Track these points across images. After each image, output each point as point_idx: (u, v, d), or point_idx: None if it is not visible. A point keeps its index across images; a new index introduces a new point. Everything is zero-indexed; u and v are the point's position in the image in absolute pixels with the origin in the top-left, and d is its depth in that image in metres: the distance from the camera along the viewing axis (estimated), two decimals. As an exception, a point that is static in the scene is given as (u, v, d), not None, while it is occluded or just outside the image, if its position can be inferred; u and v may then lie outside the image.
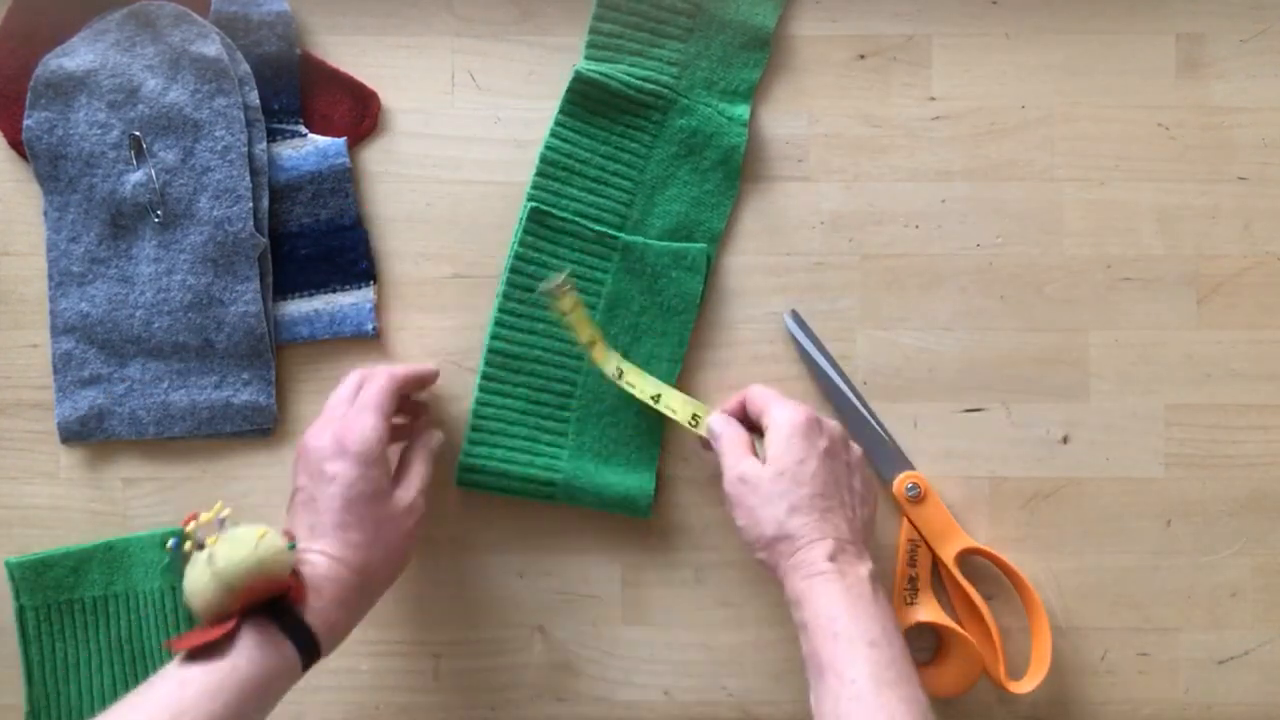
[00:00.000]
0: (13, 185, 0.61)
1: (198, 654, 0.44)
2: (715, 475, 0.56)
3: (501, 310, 0.60)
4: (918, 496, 0.59)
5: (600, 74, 0.60)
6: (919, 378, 0.62)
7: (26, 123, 0.59)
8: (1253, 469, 0.62)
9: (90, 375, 0.60)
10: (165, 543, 0.46)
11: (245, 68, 0.60)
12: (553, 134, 0.61)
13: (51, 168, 0.60)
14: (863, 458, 0.55)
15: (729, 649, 0.62)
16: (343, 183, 0.61)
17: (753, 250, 0.62)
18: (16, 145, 0.60)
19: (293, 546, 0.47)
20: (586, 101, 0.61)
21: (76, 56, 0.59)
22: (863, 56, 0.62)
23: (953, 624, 0.58)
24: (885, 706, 0.44)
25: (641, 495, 0.60)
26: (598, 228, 0.61)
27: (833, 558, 0.49)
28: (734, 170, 0.61)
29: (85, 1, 0.60)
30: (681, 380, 0.61)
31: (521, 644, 0.62)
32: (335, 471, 0.50)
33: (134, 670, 0.60)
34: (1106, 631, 0.62)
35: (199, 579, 0.45)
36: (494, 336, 0.60)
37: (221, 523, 0.47)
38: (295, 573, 0.47)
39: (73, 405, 0.60)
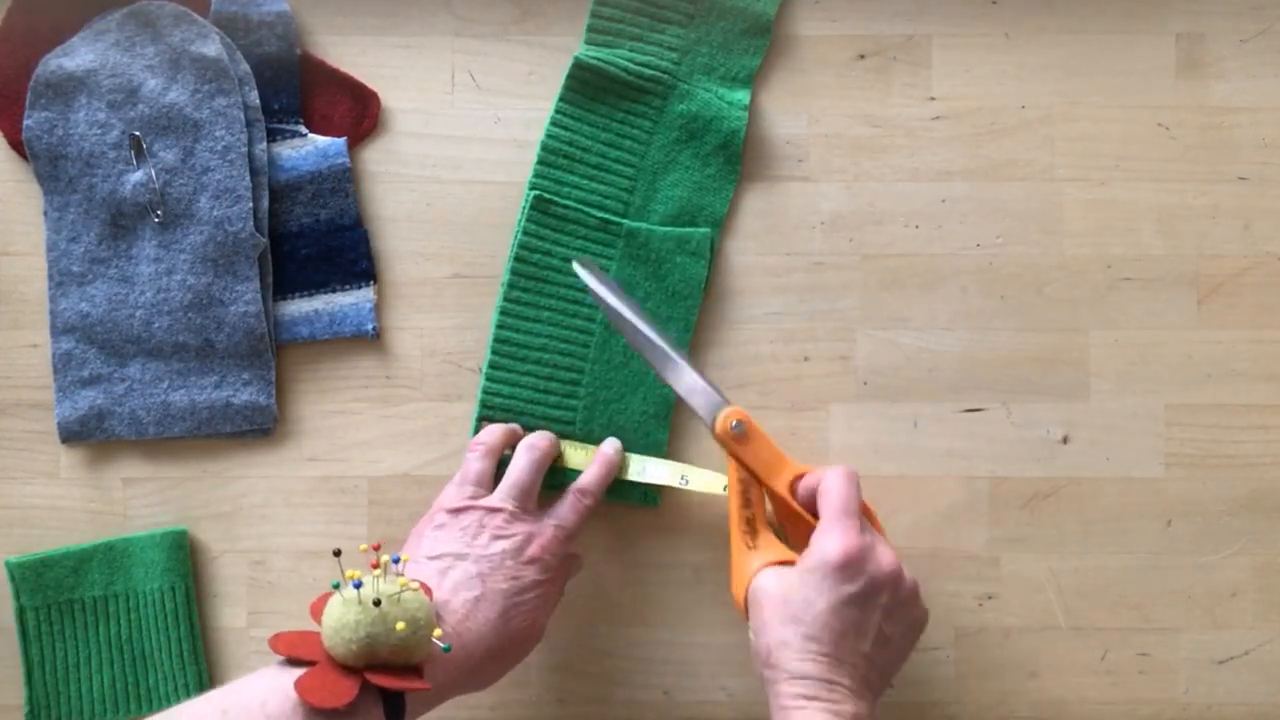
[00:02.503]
0: (13, 185, 0.61)
1: (310, 695, 0.42)
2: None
3: (506, 300, 0.60)
4: (743, 433, 0.53)
5: (600, 60, 0.60)
6: (919, 378, 0.62)
7: (26, 123, 0.59)
8: (1253, 469, 0.62)
9: (90, 375, 0.60)
10: (343, 579, 0.44)
11: (245, 68, 0.60)
12: (553, 122, 0.61)
13: (51, 168, 0.60)
14: (913, 597, 0.51)
15: (729, 649, 0.62)
16: (343, 183, 0.61)
17: (753, 250, 0.62)
18: (16, 145, 0.60)
19: (447, 649, 0.45)
20: (586, 88, 0.61)
21: (76, 56, 0.59)
22: (863, 56, 0.62)
23: (796, 557, 0.53)
24: None
25: (650, 485, 0.60)
26: (600, 215, 0.61)
27: (813, 696, 0.47)
28: (735, 154, 0.62)
29: (85, 1, 0.60)
30: (681, 380, 0.61)
31: (521, 644, 0.61)
32: (511, 578, 0.50)
33: (134, 670, 0.60)
34: (1106, 631, 0.62)
35: (351, 620, 0.43)
36: (499, 326, 0.60)
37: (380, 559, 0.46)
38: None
39: (73, 405, 0.60)
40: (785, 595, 0.49)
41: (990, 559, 0.62)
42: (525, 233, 0.60)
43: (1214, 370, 0.62)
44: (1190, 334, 0.62)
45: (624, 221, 0.61)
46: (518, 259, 0.60)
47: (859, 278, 0.62)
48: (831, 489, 0.50)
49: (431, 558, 0.50)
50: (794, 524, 0.55)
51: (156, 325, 0.60)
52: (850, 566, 0.48)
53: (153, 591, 0.60)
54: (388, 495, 0.61)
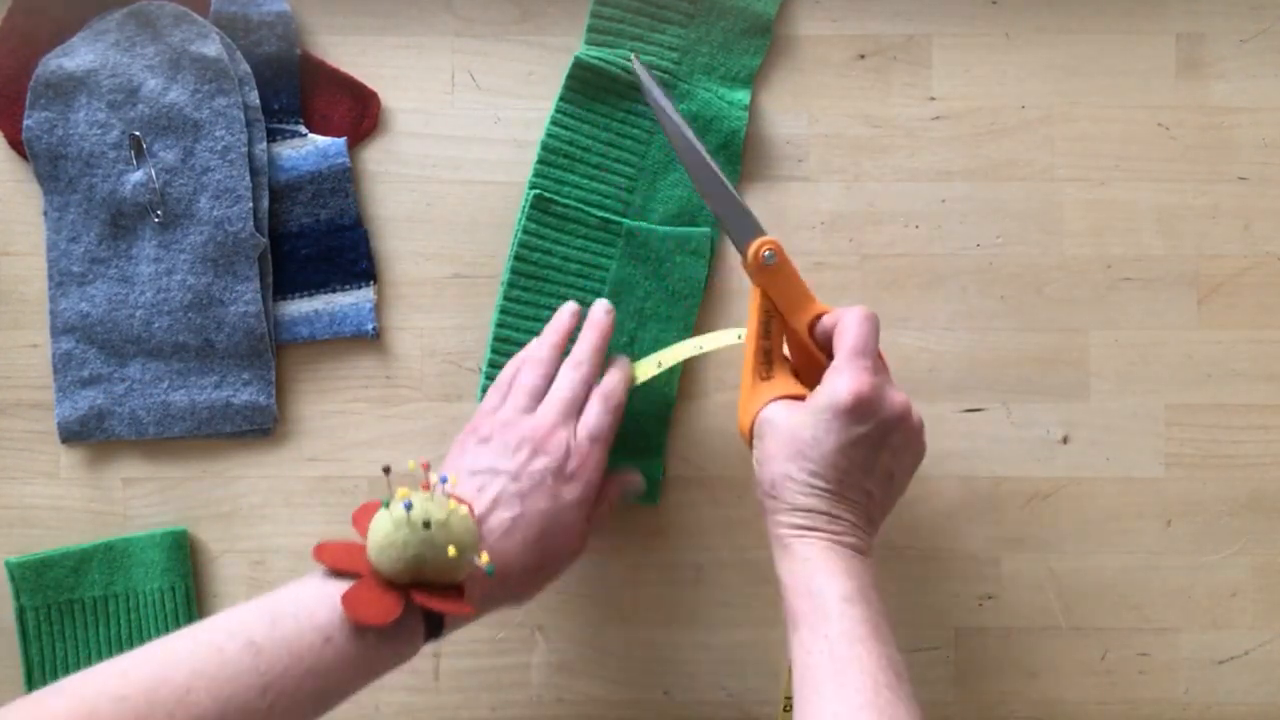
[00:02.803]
0: (13, 185, 0.61)
1: (356, 612, 0.43)
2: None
3: (506, 299, 0.60)
4: (774, 264, 0.52)
5: (600, 60, 0.60)
6: (919, 378, 0.62)
7: (26, 123, 0.59)
8: (1253, 469, 0.62)
9: (90, 375, 0.60)
10: (393, 498, 0.44)
11: (245, 68, 0.60)
12: (553, 121, 0.61)
13: (51, 168, 0.60)
14: (919, 434, 0.51)
15: (729, 649, 0.62)
16: (343, 183, 0.61)
17: (753, 250, 0.62)
18: (16, 145, 0.60)
19: (491, 571, 0.46)
20: (587, 88, 0.61)
21: (76, 56, 0.59)
22: (863, 56, 0.62)
23: (807, 392, 0.51)
24: (857, 659, 0.43)
25: (650, 482, 0.60)
26: (601, 214, 0.61)
27: (813, 527, 0.47)
28: (735, 154, 0.62)
29: (85, 1, 0.60)
30: (682, 380, 0.61)
31: (521, 644, 0.62)
32: (551, 496, 0.50)
33: (134, 670, 0.60)
34: (1106, 631, 0.62)
35: (399, 539, 0.44)
36: (499, 325, 0.60)
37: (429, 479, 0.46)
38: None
39: (73, 405, 0.60)
40: (793, 430, 0.48)
41: (990, 559, 0.62)
42: (525, 232, 0.60)
43: (1214, 370, 0.62)
44: (1190, 334, 0.62)
45: (624, 221, 0.61)
46: (518, 258, 0.60)
47: (859, 278, 0.62)
48: (849, 329, 0.49)
49: (473, 473, 0.50)
50: (808, 363, 0.54)
51: (156, 325, 0.60)
52: (861, 408, 0.47)
53: (153, 591, 0.60)
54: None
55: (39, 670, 0.59)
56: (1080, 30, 0.62)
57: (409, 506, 0.44)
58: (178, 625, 0.59)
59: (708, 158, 0.54)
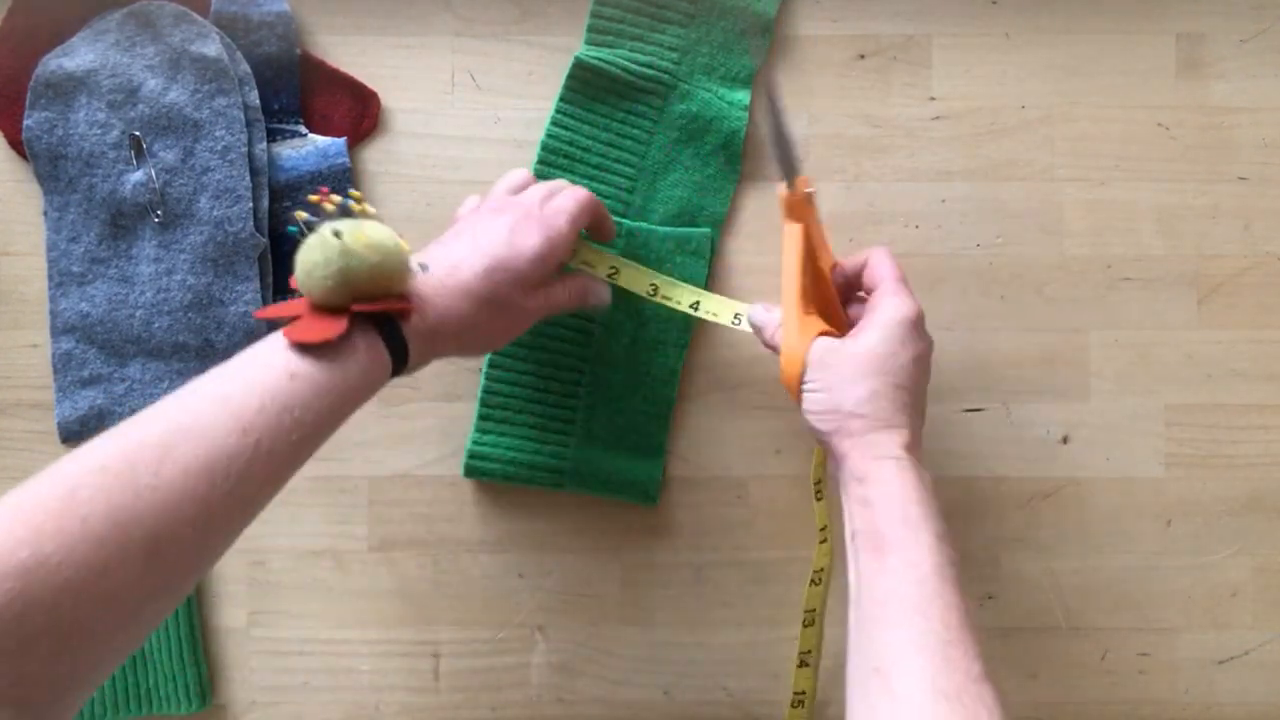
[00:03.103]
0: (13, 185, 0.61)
1: (306, 347, 0.42)
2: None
3: None
4: (811, 204, 0.53)
5: (600, 60, 0.60)
6: (919, 378, 0.62)
7: (26, 123, 0.59)
8: (1253, 469, 0.62)
9: (90, 375, 0.60)
10: (300, 225, 0.44)
11: (245, 68, 0.60)
12: (553, 122, 0.61)
13: (51, 168, 0.60)
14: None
15: (729, 649, 0.62)
16: (343, 183, 0.61)
17: (753, 250, 0.62)
18: (16, 145, 0.60)
19: (425, 268, 0.46)
20: (587, 88, 0.61)
21: (76, 56, 0.59)
22: (863, 56, 0.62)
23: (836, 332, 0.53)
24: (945, 597, 0.44)
25: (650, 481, 0.60)
26: None
27: (909, 448, 0.48)
28: (735, 154, 0.62)
29: (85, 1, 0.60)
30: (682, 380, 0.61)
31: (521, 644, 0.62)
32: (508, 244, 0.50)
33: (134, 670, 0.60)
34: (1106, 631, 0.62)
35: (319, 258, 0.43)
36: None
37: (347, 213, 0.45)
38: (409, 290, 0.46)
39: (73, 405, 0.60)
40: (869, 349, 0.50)
41: (990, 559, 0.62)
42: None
43: (1214, 370, 0.62)
44: (1190, 334, 0.62)
45: (624, 221, 0.61)
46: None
47: (859, 278, 0.62)
48: (884, 262, 0.53)
49: (440, 244, 0.51)
50: (824, 306, 0.55)
51: (156, 325, 0.60)
52: (921, 325, 0.51)
53: (153, 591, 0.59)
54: (388, 495, 0.61)
55: (39, 670, 0.59)
56: (1080, 30, 0.62)
57: (312, 224, 0.44)
58: (177, 625, 0.59)
59: (777, 92, 0.55)
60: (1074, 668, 0.62)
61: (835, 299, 0.55)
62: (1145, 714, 0.62)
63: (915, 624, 0.43)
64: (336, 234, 0.43)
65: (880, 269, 0.53)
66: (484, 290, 0.49)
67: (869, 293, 0.53)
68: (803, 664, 0.59)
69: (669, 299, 0.58)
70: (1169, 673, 0.62)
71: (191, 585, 0.40)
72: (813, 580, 0.58)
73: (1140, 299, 0.62)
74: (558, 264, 0.52)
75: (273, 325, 0.45)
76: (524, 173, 0.56)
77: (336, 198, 0.46)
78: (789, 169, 0.53)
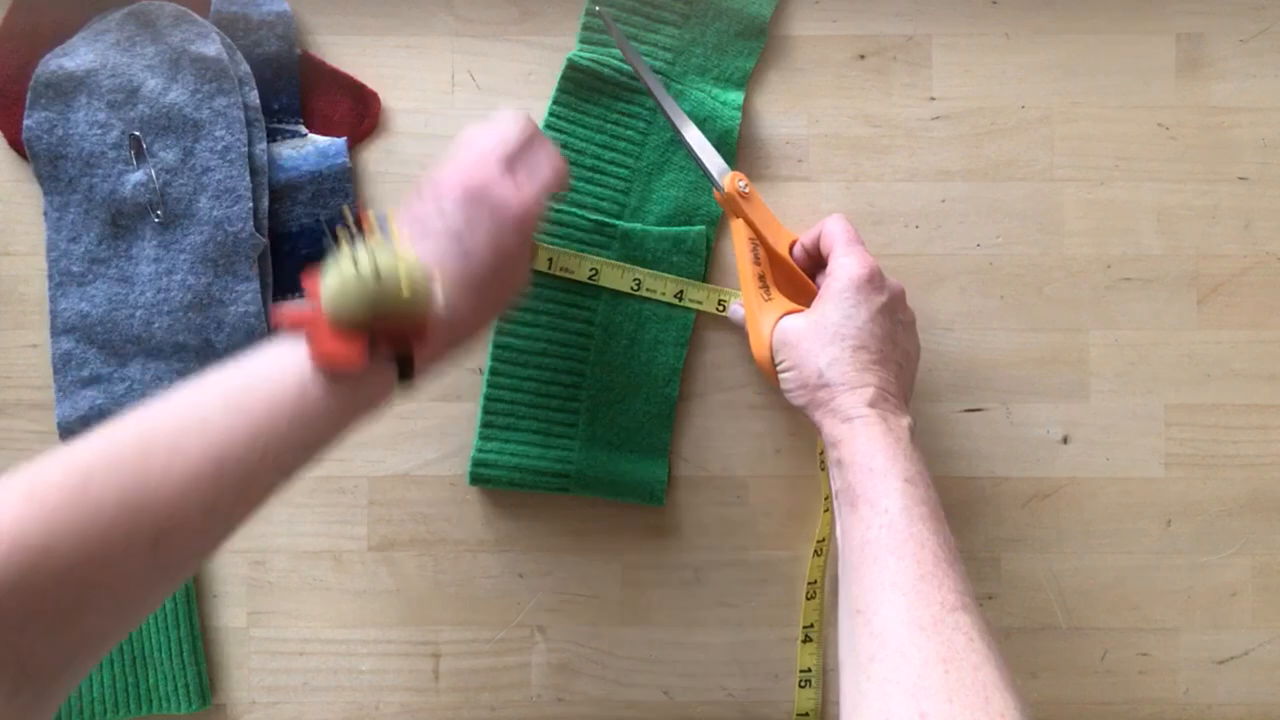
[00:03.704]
0: (13, 185, 0.61)
1: (323, 362, 0.43)
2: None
3: None
4: (748, 192, 0.57)
5: (593, 61, 0.60)
6: (919, 378, 0.61)
7: (26, 123, 0.59)
8: (1253, 469, 0.62)
9: (90, 375, 0.60)
10: (339, 251, 0.43)
11: (245, 68, 0.60)
12: (547, 124, 0.61)
13: (51, 168, 0.60)
14: (913, 323, 0.56)
15: (729, 649, 0.62)
16: (343, 183, 0.61)
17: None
18: (16, 145, 0.60)
19: (449, 308, 0.46)
20: (580, 89, 0.61)
21: (76, 56, 0.59)
22: (863, 56, 0.62)
23: (803, 309, 0.55)
24: (916, 535, 0.45)
25: (655, 482, 0.60)
26: (595, 217, 0.61)
27: (872, 404, 0.50)
28: (729, 154, 0.61)
29: (85, 1, 0.60)
30: (682, 380, 0.61)
31: (521, 644, 0.62)
32: (501, 233, 0.48)
33: (134, 670, 0.60)
34: (1106, 631, 0.62)
35: (355, 284, 0.43)
36: (498, 331, 0.60)
37: (381, 228, 0.46)
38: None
39: (73, 405, 0.60)
40: (823, 319, 0.52)
41: (990, 559, 0.62)
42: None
43: (1214, 370, 0.62)
44: (1190, 334, 0.62)
45: (619, 223, 0.61)
46: None
47: (859, 278, 0.62)
48: (836, 228, 0.55)
49: (414, 219, 0.49)
50: (792, 284, 0.57)
51: (156, 325, 0.60)
52: (875, 279, 0.52)
53: (153, 591, 0.59)
54: (388, 495, 0.61)
55: (39, 670, 0.59)
56: (1080, 30, 0.62)
57: (357, 256, 0.44)
58: (178, 625, 0.59)
59: (674, 104, 0.58)
60: (1074, 668, 0.62)
61: (800, 275, 0.57)
62: (1145, 714, 0.62)
63: (888, 564, 0.45)
64: (376, 264, 0.44)
65: (832, 235, 0.55)
66: (479, 312, 0.49)
67: (825, 257, 0.55)
68: (806, 639, 0.59)
69: (653, 292, 0.60)
70: (1169, 673, 0.62)
71: (189, 575, 0.41)
72: (815, 551, 0.60)
73: (1140, 299, 0.62)
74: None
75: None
76: (494, 138, 0.51)
77: (375, 220, 0.46)
78: (714, 171, 0.57)
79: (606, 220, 0.61)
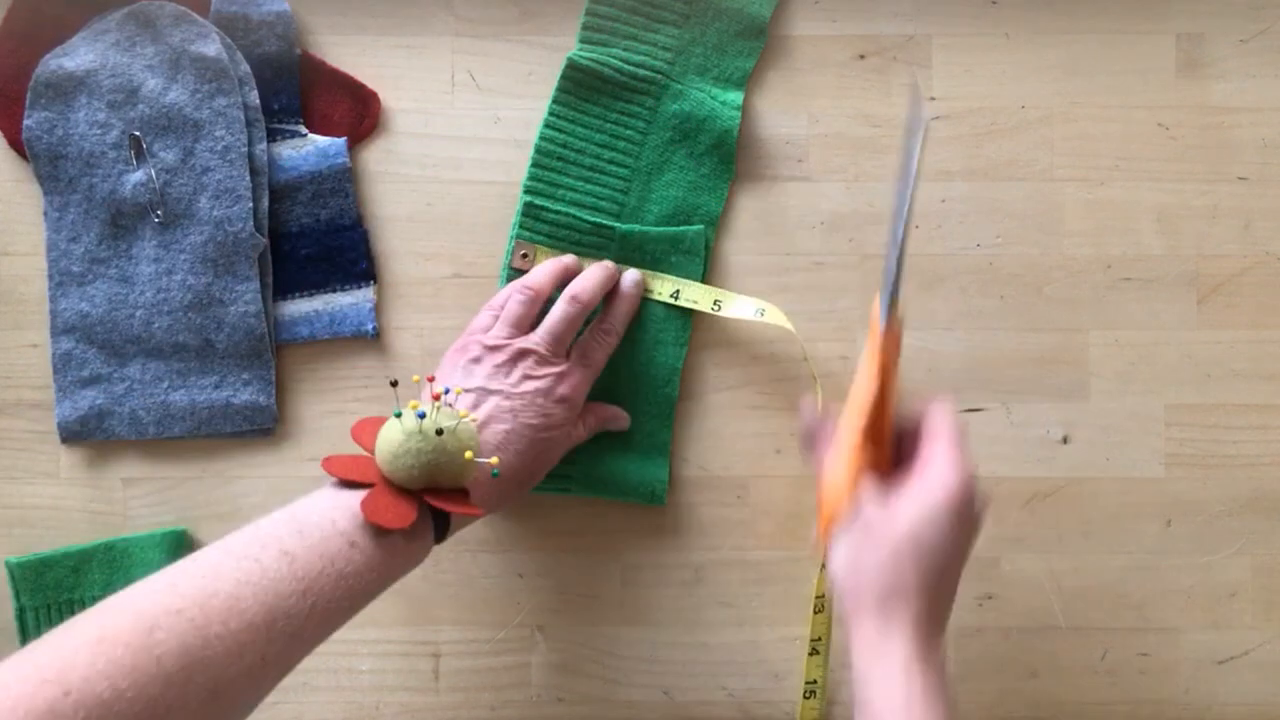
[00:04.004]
0: (13, 185, 0.61)
1: (376, 517, 0.45)
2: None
3: None
4: (898, 338, 0.50)
5: (593, 60, 0.60)
6: (919, 378, 0.62)
7: (26, 123, 0.59)
8: (1253, 469, 0.62)
9: (90, 375, 0.60)
10: (405, 408, 0.46)
11: (245, 68, 0.60)
12: (547, 124, 0.61)
13: (51, 168, 0.60)
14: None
15: (729, 649, 0.62)
16: (343, 183, 0.61)
17: (752, 250, 0.62)
18: (16, 145, 0.60)
19: (497, 474, 0.49)
20: (580, 89, 0.61)
21: (76, 56, 0.59)
22: (863, 56, 0.62)
23: (889, 474, 0.50)
24: None
25: (656, 482, 0.60)
26: (594, 218, 0.61)
27: (918, 646, 0.45)
28: (729, 154, 0.61)
29: (85, 1, 0.60)
30: (682, 380, 0.61)
31: (521, 644, 0.62)
32: (541, 414, 0.53)
33: (134, 670, 0.60)
34: (1106, 631, 0.62)
35: (413, 448, 0.46)
36: None
37: (441, 393, 0.48)
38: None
39: (73, 405, 0.60)
40: (909, 532, 0.46)
41: (990, 559, 0.62)
42: (518, 239, 0.60)
43: (1214, 370, 0.62)
44: (1190, 334, 0.62)
45: (617, 225, 0.61)
46: (512, 267, 0.60)
47: (859, 278, 0.62)
48: (943, 422, 0.49)
49: (466, 390, 0.53)
50: (879, 436, 0.50)
51: (156, 325, 0.60)
52: (970, 499, 0.47)
53: (153, 591, 0.60)
54: (388, 495, 0.61)
55: (39, 670, 0.59)
56: (1080, 30, 0.62)
57: (421, 415, 0.46)
58: (178, 625, 0.60)
59: (906, 218, 0.49)
60: (1074, 668, 0.62)
61: (888, 433, 0.51)
62: (1145, 714, 0.62)
63: None
64: (439, 432, 0.46)
65: (939, 424, 0.49)
66: (519, 494, 0.54)
67: (921, 442, 0.49)
68: (814, 651, 0.59)
69: (651, 292, 0.60)
70: (1169, 673, 0.62)
71: (245, 718, 0.43)
72: (823, 564, 0.59)
73: (1140, 299, 0.62)
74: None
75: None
76: (528, 290, 0.56)
77: (440, 388, 0.48)
78: (893, 293, 0.49)
79: (605, 222, 0.61)
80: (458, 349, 0.55)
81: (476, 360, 0.54)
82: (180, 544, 0.60)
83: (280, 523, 0.45)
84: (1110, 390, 0.62)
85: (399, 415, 0.47)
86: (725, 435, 0.62)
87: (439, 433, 0.46)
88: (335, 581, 0.43)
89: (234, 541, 0.44)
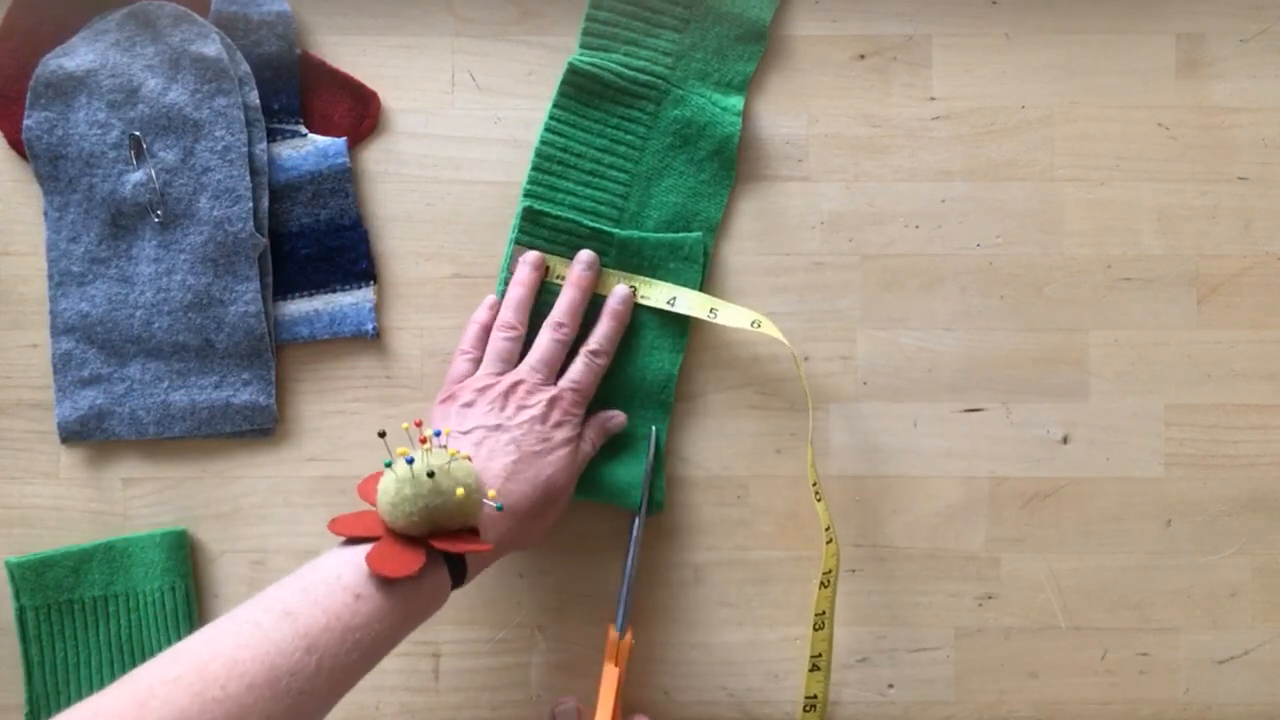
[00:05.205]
0: (13, 185, 0.61)
1: (380, 566, 0.45)
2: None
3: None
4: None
5: (594, 65, 0.60)
6: (919, 378, 0.62)
7: (26, 123, 0.59)
8: (1253, 469, 0.62)
9: (90, 375, 0.60)
10: (395, 457, 0.47)
11: (245, 68, 0.60)
12: (547, 128, 0.61)
13: (51, 168, 0.60)
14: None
15: (729, 649, 0.62)
16: (343, 183, 0.61)
17: (752, 250, 0.62)
18: (16, 145, 0.60)
19: (500, 507, 0.48)
20: (580, 94, 0.61)
21: (76, 56, 0.59)
22: (863, 56, 0.62)
23: None
24: None
25: (654, 488, 0.60)
26: (593, 224, 0.61)
27: None
28: (729, 160, 0.61)
29: (85, 1, 0.60)
30: (682, 380, 0.61)
31: (521, 644, 0.62)
32: (542, 439, 0.53)
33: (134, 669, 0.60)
34: (1106, 631, 0.62)
35: (409, 493, 0.46)
36: None
37: (432, 436, 0.48)
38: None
39: (73, 405, 0.60)
40: None
41: (990, 559, 0.62)
42: (517, 244, 0.60)
43: (1214, 370, 0.62)
44: (1190, 334, 0.62)
45: (616, 232, 0.61)
46: (510, 269, 0.60)
47: (859, 278, 0.62)
48: None
49: (464, 432, 0.53)
50: None
51: (156, 325, 0.60)
52: None
53: (153, 591, 0.60)
54: (388, 495, 0.61)
55: (39, 670, 0.59)
56: (1080, 30, 0.62)
57: (410, 461, 0.46)
58: (178, 625, 0.60)
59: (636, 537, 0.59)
60: (1074, 668, 0.62)
61: None
62: (1145, 714, 0.62)
63: None
64: (430, 474, 0.46)
65: None
66: (541, 527, 0.54)
67: None
68: (814, 668, 0.59)
69: (646, 298, 0.60)
70: (1169, 673, 0.62)
71: None
72: (822, 583, 0.58)
73: (1140, 299, 0.62)
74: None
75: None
76: (505, 326, 0.57)
77: (429, 432, 0.48)
78: (626, 614, 0.57)
79: (603, 228, 0.61)
80: (446, 399, 0.56)
81: (470, 405, 0.54)
82: (180, 544, 0.60)
83: (285, 585, 0.45)
84: (1110, 390, 0.62)
85: (389, 465, 0.47)
86: (725, 435, 0.62)
87: (430, 475, 0.45)
88: (342, 636, 0.43)
89: (239, 608, 0.44)
